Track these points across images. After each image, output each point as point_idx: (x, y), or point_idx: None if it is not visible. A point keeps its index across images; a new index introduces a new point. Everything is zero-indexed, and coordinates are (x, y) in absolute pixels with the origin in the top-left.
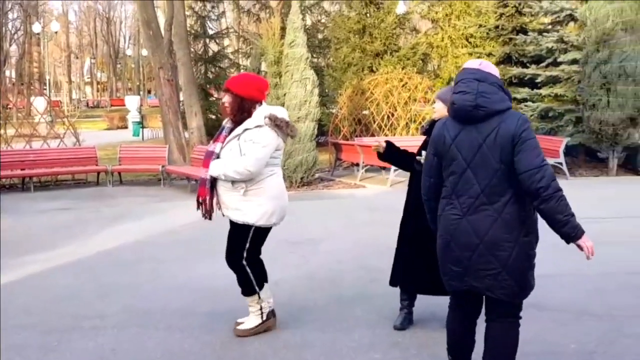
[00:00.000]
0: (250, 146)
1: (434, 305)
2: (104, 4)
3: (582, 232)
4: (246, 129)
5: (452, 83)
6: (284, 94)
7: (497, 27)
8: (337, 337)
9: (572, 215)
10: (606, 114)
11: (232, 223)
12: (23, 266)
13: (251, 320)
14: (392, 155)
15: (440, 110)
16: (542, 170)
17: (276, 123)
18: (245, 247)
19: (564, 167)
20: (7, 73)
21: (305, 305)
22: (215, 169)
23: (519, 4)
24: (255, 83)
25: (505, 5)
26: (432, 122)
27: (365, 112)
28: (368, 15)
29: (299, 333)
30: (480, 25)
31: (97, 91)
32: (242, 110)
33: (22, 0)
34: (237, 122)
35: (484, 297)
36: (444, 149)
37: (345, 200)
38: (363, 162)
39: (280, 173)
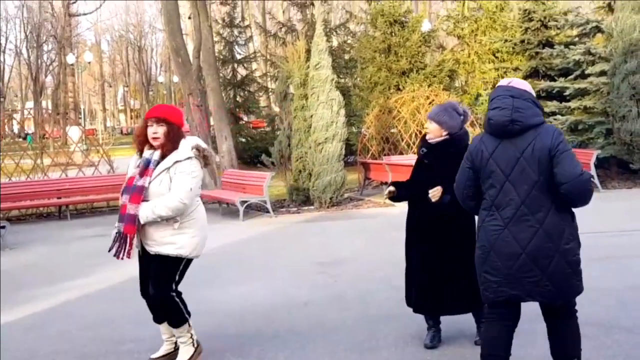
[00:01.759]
0: (181, 178)
1: (462, 323)
2: (136, 33)
3: None
4: (177, 161)
5: (484, 99)
6: (311, 116)
7: (522, 41)
8: (366, 356)
9: None
10: (637, 124)
11: (159, 258)
12: (59, 293)
13: (185, 352)
14: (404, 194)
15: (433, 130)
16: (581, 179)
17: (204, 154)
18: (175, 280)
19: (596, 180)
20: (44, 104)
21: (335, 325)
22: (146, 214)
23: (545, 18)
24: (181, 113)
25: (531, 19)
26: (427, 144)
27: (393, 130)
28: (393, 34)
29: (328, 354)
30: (506, 40)
31: (131, 118)
32: (176, 141)
33: (56, 32)
34: (166, 153)
35: (521, 307)
36: (481, 163)
37: (375, 219)
38: (392, 181)
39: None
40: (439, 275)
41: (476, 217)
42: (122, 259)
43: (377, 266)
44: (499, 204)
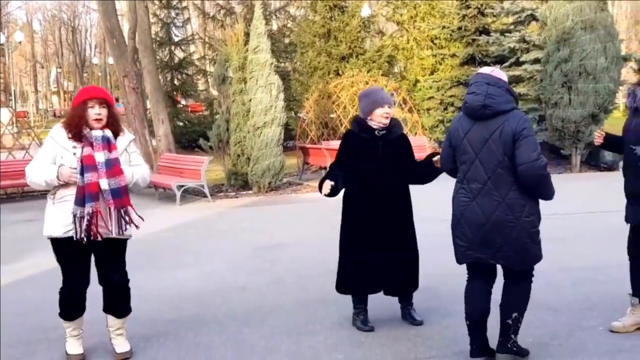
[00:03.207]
0: (139, 157)
1: (392, 304)
2: (69, 13)
3: None
4: (131, 141)
5: (422, 85)
6: (249, 100)
7: (460, 28)
8: (302, 340)
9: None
10: (568, 111)
11: (120, 241)
12: None
13: (126, 342)
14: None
15: (391, 115)
16: (535, 164)
17: None
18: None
19: None
20: None
21: (272, 309)
22: (142, 182)
23: (481, 5)
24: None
25: (468, 7)
26: (379, 130)
27: (333, 115)
28: (333, 19)
29: (265, 337)
30: (444, 27)
31: (64, 100)
32: (118, 122)
33: None
34: (116, 132)
35: (496, 268)
36: (457, 141)
37: (313, 204)
38: (326, 175)
39: None
40: (397, 256)
41: None
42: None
43: (315, 250)
44: (469, 178)
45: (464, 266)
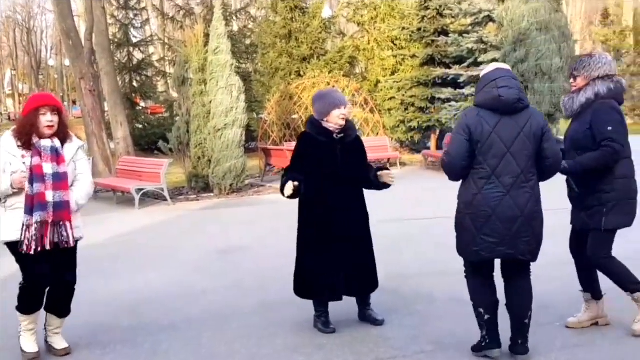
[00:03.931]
0: (85, 164)
1: (350, 306)
2: (24, 14)
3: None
4: (79, 148)
5: (383, 86)
6: (210, 101)
7: (419, 29)
8: (263, 343)
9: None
10: None
11: (72, 246)
12: None
13: (62, 339)
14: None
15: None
16: (560, 159)
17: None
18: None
19: None
20: None
21: (232, 313)
22: (84, 200)
23: (440, 7)
24: None
25: (427, 8)
26: (337, 131)
27: (294, 116)
28: (294, 20)
29: (225, 342)
30: (404, 28)
31: (20, 103)
32: (67, 129)
33: None
34: (64, 141)
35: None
36: (482, 136)
37: (275, 205)
38: (287, 176)
39: None
40: (357, 259)
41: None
42: (41, 249)
43: (276, 253)
44: (500, 172)
45: (424, 266)
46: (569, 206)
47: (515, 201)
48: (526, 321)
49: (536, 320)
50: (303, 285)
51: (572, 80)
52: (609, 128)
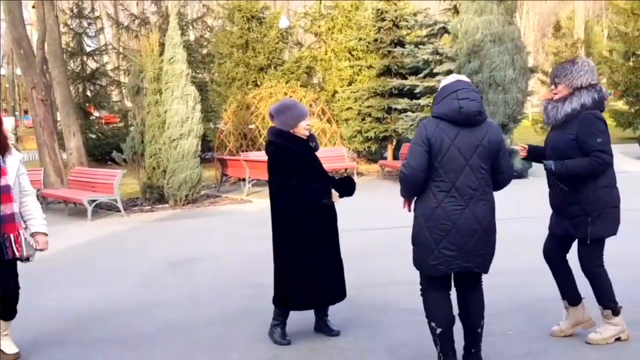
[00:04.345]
0: (27, 179)
1: (307, 317)
2: None
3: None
4: (20, 161)
5: (340, 96)
6: (165, 111)
7: (376, 40)
8: (217, 356)
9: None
10: None
11: (14, 259)
12: None
13: (11, 343)
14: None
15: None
16: (512, 173)
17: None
18: None
19: None
20: None
21: (186, 326)
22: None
23: (396, 18)
24: None
25: (383, 19)
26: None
27: (251, 126)
28: (251, 30)
29: (177, 356)
30: (361, 39)
31: None
32: (6, 142)
33: None
34: (4, 154)
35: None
36: (441, 148)
37: (232, 216)
38: (249, 177)
39: None
40: (338, 268)
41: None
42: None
43: (232, 264)
44: (460, 185)
45: (379, 276)
46: (517, 215)
47: (475, 214)
48: (479, 330)
49: (489, 329)
50: (283, 295)
51: (552, 86)
52: (598, 140)
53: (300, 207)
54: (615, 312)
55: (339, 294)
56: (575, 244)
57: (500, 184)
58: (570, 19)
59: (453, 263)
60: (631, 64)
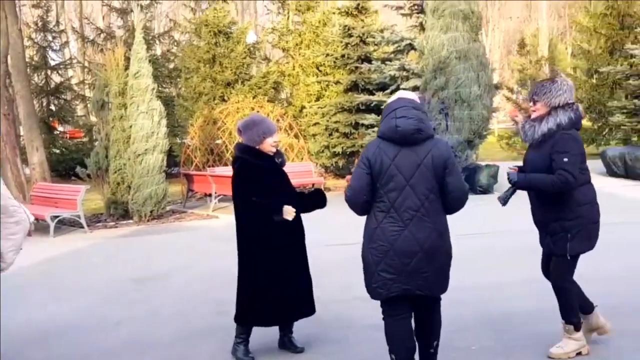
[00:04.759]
0: None
1: (274, 330)
2: None
3: None
4: None
5: (308, 111)
6: (130, 126)
7: (343, 56)
8: None
9: None
10: (446, 137)
11: None
12: None
13: None
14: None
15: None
16: (464, 194)
17: None
18: None
19: None
20: None
21: (149, 343)
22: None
23: (363, 34)
24: None
25: (350, 35)
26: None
27: (218, 141)
28: (218, 44)
29: None
30: (328, 55)
31: None
32: None
33: None
34: None
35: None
36: (381, 168)
37: (198, 231)
38: (216, 193)
39: None
40: (305, 285)
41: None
42: None
43: (197, 280)
44: (399, 206)
45: (344, 291)
46: (481, 231)
47: (415, 236)
48: (431, 350)
49: (452, 345)
50: (248, 311)
51: (531, 104)
52: (565, 159)
53: (263, 222)
54: (577, 327)
55: (308, 309)
56: None
57: (450, 205)
58: (535, 36)
59: (392, 286)
60: (594, 81)
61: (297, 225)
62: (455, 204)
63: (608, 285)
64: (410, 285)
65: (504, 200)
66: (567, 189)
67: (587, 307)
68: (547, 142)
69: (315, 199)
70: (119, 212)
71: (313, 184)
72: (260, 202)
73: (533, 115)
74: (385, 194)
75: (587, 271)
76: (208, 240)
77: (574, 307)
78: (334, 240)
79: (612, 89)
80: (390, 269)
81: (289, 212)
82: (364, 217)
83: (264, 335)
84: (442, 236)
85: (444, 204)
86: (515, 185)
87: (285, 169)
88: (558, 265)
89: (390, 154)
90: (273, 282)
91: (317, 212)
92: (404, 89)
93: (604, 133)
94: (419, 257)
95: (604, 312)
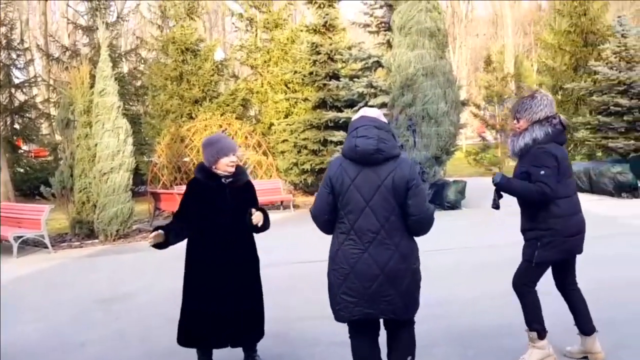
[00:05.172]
0: None
1: (240, 352)
2: None
3: None
4: None
5: (277, 128)
6: (95, 144)
7: (311, 73)
8: None
9: None
10: (413, 153)
11: None
12: None
13: None
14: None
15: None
16: (429, 216)
17: None
18: None
19: None
20: None
21: None
22: None
23: (331, 51)
24: None
25: (318, 53)
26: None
27: (186, 159)
28: (185, 62)
29: None
30: (296, 72)
31: None
32: None
33: None
34: None
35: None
36: (342, 188)
37: (165, 251)
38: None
39: None
40: (243, 307)
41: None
42: None
43: (162, 300)
44: (359, 228)
45: (310, 309)
46: (449, 247)
47: (375, 259)
48: None
49: None
50: (188, 333)
51: (515, 121)
52: (542, 172)
53: (190, 241)
54: (541, 335)
55: (255, 332)
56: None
57: (413, 228)
58: (501, 53)
59: (354, 310)
60: (559, 97)
61: (242, 244)
62: (417, 227)
63: None
64: (372, 309)
65: (495, 204)
66: (544, 199)
67: (588, 329)
68: (524, 156)
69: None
70: (84, 231)
71: (282, 202)
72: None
73: (518, 131)
74: (345, 215)
75: (554, 287)
76: (174, 260)
77: (535, 313)
78: (302, 258)
79: (576, 105)
80: (352, 292)
81: (157, 236)
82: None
83: (230, 356)
84: (405, 259)
85: (408, 227)
86: (497, 187)
87: (254, 186)
88: (522, 269)
89: (351, 173)
90: (204, 303)
91: (285, 230)
92: (371, 106)
93: (569, 149)
94: (380, 280)
95: (570, 327)
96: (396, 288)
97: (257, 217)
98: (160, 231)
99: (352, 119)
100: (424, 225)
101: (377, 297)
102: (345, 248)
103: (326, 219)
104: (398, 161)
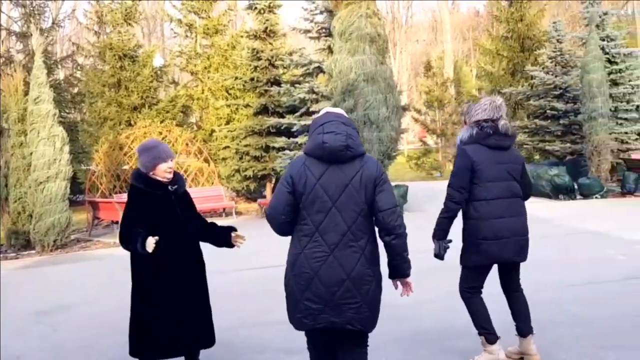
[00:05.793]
0: None
1: None
2: None
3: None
4: None
5: (218, 135)
6: (31, 153)
7: (252, 79)
8: None
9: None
10: None
11: None
12: None
13: None
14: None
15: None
16: (397, 210)
17: None
18: None
19: None
20: None
21: None
22: None
23: (272, 57)
24: None
25: (259, 59)
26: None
27: (125, 167)
28: (123, 68)
29: None
30: (237, 78)
31: None
32: None
33: None
34: None
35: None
36: (306, 188)
37: (104, 260)
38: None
39: None
40: (201, 312)
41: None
42: None
43: (102, 311)
44: (324, 229)
45: (256, 316)
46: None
47: (341, 262)
48: None
49: None
50: (140, 343)
51: (464, 124)
52: (452, 172)
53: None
54: (489, 340)
55: (205, 339)
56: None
57: (383, 223)
58: (441, 59)
59: (319, 317)
60: None
61: (191, 252)
62: (384, 224)
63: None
64: (338, 318)
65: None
66: (451, 203)
67: (525, 330)
68: None
69: (227, 238)
70: (20, 242)
71: (224, 209)
72: (125, 231)
73: None
74: (308, 216)
75: (494, 289)
76: (115, 270)
77: (478, 317)
78: (246, 265)
79: (514, 109)
80: (316, 299)
81: (150, 244)
82: (277, 241)
83: None
84: (372, 264)
85: (377, 224)
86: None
87: (195, 193)
88: (461, 274)
89: (316, 172)
90: (155, 312)
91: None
92: (313, 111)
93: None
94: (346, 285)
95: (508, 328)
96: (362, 295)
97: (241, 240)
98: (156, 237)
99: (315, 117)
100: (390, 221)
101: (343, 304)
102: (308, 252)
103: (283, 220)
104: (364, 159)
